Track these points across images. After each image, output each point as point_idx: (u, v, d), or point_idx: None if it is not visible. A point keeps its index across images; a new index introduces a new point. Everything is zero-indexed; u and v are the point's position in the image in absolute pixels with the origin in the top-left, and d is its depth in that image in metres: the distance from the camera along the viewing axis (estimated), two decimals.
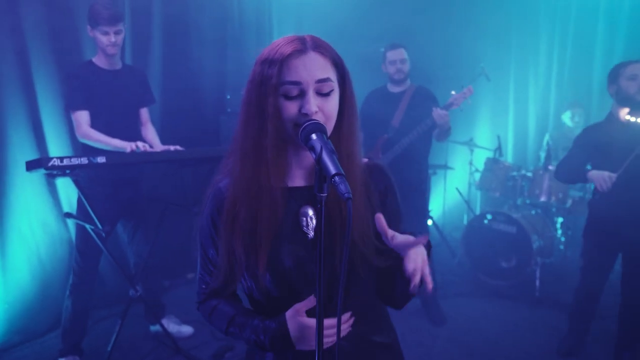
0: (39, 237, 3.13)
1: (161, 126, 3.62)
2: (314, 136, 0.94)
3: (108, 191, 2.74)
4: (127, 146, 2.54)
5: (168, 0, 3.79)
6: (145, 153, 2.46)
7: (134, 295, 2.73)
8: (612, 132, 2.75)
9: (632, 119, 2.68)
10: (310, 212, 1.10)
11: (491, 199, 5.06)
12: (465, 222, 5.04)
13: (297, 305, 1.06)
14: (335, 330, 1.04)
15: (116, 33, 2.64)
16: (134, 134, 2.84)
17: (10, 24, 2.93)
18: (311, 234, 1.09)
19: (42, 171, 2.11)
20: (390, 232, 1.00)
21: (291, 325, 1.05)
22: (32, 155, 2.99)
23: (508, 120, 5.76)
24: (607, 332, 3.05)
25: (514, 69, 5.67)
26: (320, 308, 0.92)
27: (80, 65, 2.77)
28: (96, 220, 2.39)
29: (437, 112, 3.12)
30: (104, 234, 2.46)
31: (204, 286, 1.20)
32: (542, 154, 4.92)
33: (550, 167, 4.12)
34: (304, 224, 1.09)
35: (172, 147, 2.68)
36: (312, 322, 1.05)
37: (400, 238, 0.99)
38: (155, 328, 3.15)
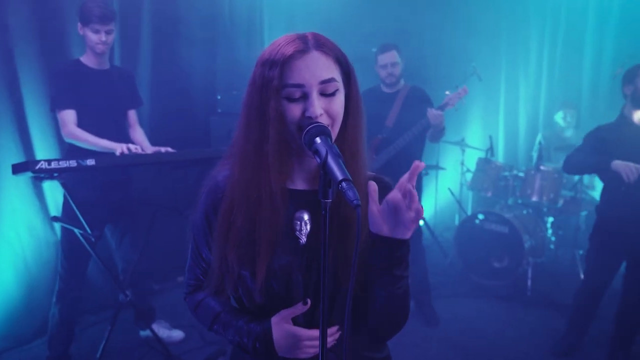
0: (24, 241, 3.05)
1: (150, 127, 3.56)
2: (318, 140, 0.90)
3: (96, 194, 2.67)
4: (117, 148, 2.48)
5: None
6: (136, 155, 2.40)
7: (124, 300, 2.67)
8: (624, 133, 2.72)
9: None
10: (306, 217, 1.06)
11: (483, 199, 5.06)
12: (456, 222, 5.04)
13: (284, 312, 1.03)
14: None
15: (107, 32, 2.59)
16: (122, 136, 2.79)
17: None
18: (303, 239, 1.05)
19: (29, 174, 2.05)
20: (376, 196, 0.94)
21: (276, 332, 1.02)
22: (18, 157, 2.91)
23: (499, 120, 5.78)
24: (602, 332, 3.05)
25: (504, 69, 5.69)
26: (324, 317, 0.89)
27: (67, 64, 2.71)
28: (85, 225, 2.33)
29: (432, 113, 3.10)
30: (93, 239, 2.40)
31: (192, 278, 1.17)
32: (534, 154, 4.95)
33: (542, 167, 4.14)
34: (298, 228, 1.05)
35: (162, 149, 2.63)
36: (298, 330, 1.02)
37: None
38: (145, 333, 3.09)
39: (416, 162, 0.90)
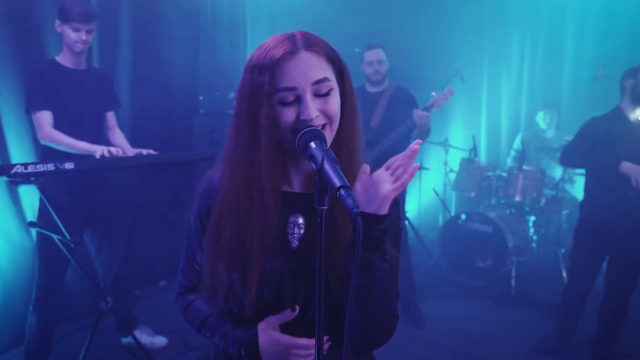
0: None
1: (131, 128, 3.48)
2: (312, 145, 0.88)
3: (74, 198, 2.58)
4: (97, 150, 2.40)
5: None
6: (117, 158, 2.33)
7: (105, 307, 2.60)
8: (619, 128, 2.71)
9: None
10: (300, 221, 1.03)
11: (466, 199, 5.09)
12: (440, 222, 5.06)
13: (272, 318, 1.00)
14: (311, 351, 0.98)
15: (88, 32, 2.51)
16: (101, 139, 2.70)
17: None
18: (295, 243, 1.02)
19: (4, 179, 1.96)
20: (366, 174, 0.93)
21: (262, 338, 0.99)
22: None
23: (481, 120, 5.83)
24: (583, 329, 3.09)
25: (487, 70, 5.74)
26: (320, 327, 0.86)
27: (42, 64, 2.62)
28: (64, 231, 2.25)
29: (418, 114, 3.09)
30: (72, 245, 2.32)
31: (185, 279, 1.14)
32: (512, 152, 5.01)
33: (525, 167, 4.17)
34: (291, 232, 1.02)
35: (144, 151, 2.55)
36: (285, 338, 0.99)
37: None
38: (127, 340, 3.01)
39: (414, 145, 0.90)
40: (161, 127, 3.69)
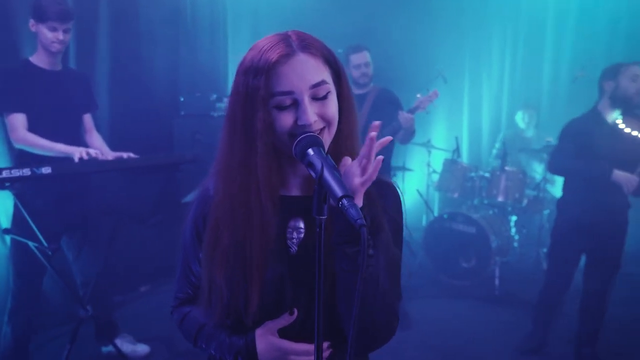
0: None
1: (110, 131, 3.39)
2: (310, 152, 0.85)
3: (51, 203, 2.48)
4: (75, 152, 2.32)
5: None
6: (96, 162, 2.26)
7: (85, 315, 2.52)
8: (599, 131, 2.71)
9: (622, 126, 2.66)
10: (301, 225, 1.00)
11: (449, 200, 5.12)
12: (424, 223, 5.07)
13: (270, 323, 0.97)
14: (311, 357, 0.96)
15: (65, 31, 2.43)
16: (78, 142, 2.62)
17: None
18: (294, 248, 0.99)
19: None
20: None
21: (260, 344, 0.96)
22: None
23: (463, 120, 5.88)
24: (566, 329, 3.12)
25: (468, 70, 5.79)
26: (320, 333, 0.84)
27: (16, 64, 2.54)
28: (41, 237, 2.16)
29: (404, 116, 3.09)
30: (50, 252, 2.23)
31: (181, 292, 1.10)
32: (494, 151, 5.06)
33: (507, 168, 4.21)
34: (290, 236, 0.99)
35: (125, 154, 2.49)
36: (284, 342, 0.96)
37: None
38: (107, 349, 2.92)
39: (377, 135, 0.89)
40: (141, 129, 3.60)
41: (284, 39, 0.91)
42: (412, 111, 3.19)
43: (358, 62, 3.29)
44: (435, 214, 5.03)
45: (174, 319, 1.12)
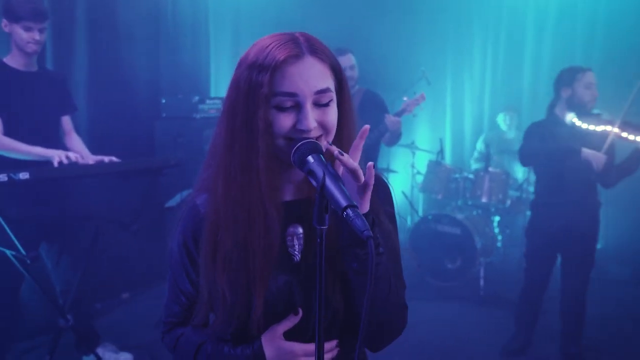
0: None
1: (89, 134, 3.32)
2: (311, 159, 0.82)
3: (29, 209, 2.41)
4: (54, 156, 2.25)
5: None
6: (76, 166, 2.19)
7: (65, 325, 2.44)
8: (560, 133, 2.79)
9: (578, 123, 2.76)
10: (300, 231, 0.97)
11: (433, 201, 5.14)
12: (409, 224, 5.08)
13: (275, 327, 0.94)
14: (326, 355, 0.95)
15: (40, 31, 2.36)
16: (57, 145, 2.55)
17: None
18: (297, 256, 0.96)
19: None
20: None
21: (268, 350, 0.94)
22: None
23: (445, 122, 5.91)
24: (550, 328, 3.15)
25: (450, 72, 5.82)
26: (321, 342, 0.82)
27: None
28: (19, 246, 2.08)
29: (391, 119, 3.09)
30: (29, 261, 2.15)
31: (170, 316, 1.05)
32: (475, 153, 5.11)
33: (491, 169, 4.24)
34: (290, 244, 0.96)
35: (106, 158, 2.42)
36: (294, 345, 0.94)
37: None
38: (88, 359, 2.84)
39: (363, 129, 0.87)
40: (120, 132, 3.53)
41: (293, 39, 0.89)
42: (398, 114, 3.20)
43: (344, 65, 3.26)
44: (420, 213, 5.04)
45: (166, 345, 1.06)
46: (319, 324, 0.82)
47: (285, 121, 0.86)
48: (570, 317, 2.94)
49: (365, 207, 0.86)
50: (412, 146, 4.82)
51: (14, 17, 2.31)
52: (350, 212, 0.73)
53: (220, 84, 5.08)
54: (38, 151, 2.30)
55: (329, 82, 0.89)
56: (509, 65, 5.58)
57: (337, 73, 0.93)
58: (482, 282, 4.00)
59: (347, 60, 3.27)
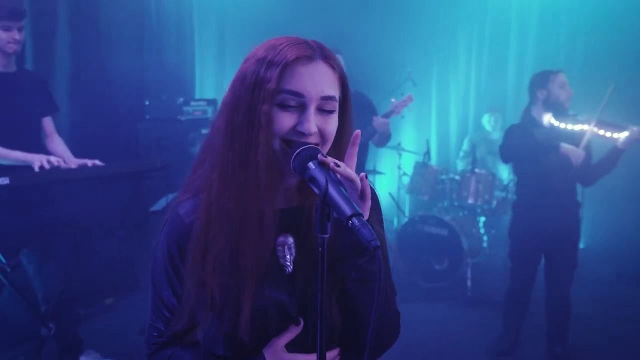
0: None
1: (71, 136, 3.25)
2: (312, 165, 0.79)
3: (9, 215, 2.34)
4: (35, 161, 2.18)
5: None
6: (58, 170, 2.13)
7: (47, 334, 2.38)
8: (537, 133, 2.81)
9: (556, 123, 2.79)
10: (291, 241, 0.94)
11: (420, 202, 5.15)
12: (395, 225, 5.08)
13: (276, 340, 0.91)
14: None
15: (19, 30, 2.31)
16: (37, 148, 2.49)
17: None
18: (290, 267, 0.93)
19: None
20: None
21: None
22: None
23: (431, 123, 5.93)
24: (536, 327, 3.17)
25: (436, 73, 5.84)
26: (322, 351, 0.80)
27: None
28: None
29: (379, 121, 3.09)
30: (9, 269, 2.09)
31: (155, 334, 0.99)
32: (461, 153, 5.13)
33: (477, 170, 4.26)
34: (281, 255, 0.93)
35: (89, 162, 2.37)
36: (298, 357, 0.92)
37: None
38: None
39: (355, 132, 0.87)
40: (103, 134, 3.49)
41: (306, 42, 0.89)
42: (387, 115, 3.19)
43: None
44: (407, 214, 5.04)
45: None
46: (321, 334, 0.80)
47: (286, 121, 0.84)
48: (555, 317, 2.98)
49: (365, 215, 0.83)
50: (398, 147, 4.82)
51: None
52: (356, 221, 0.71)
53: (205, 86, 5.02)
54: (18, 155, 2.24)
55: (335, 91, 0.88)
56: (493, 66, 5.62)
57: (344, 85, 0.92)
58: (469, 283, 4.02)
59: None
